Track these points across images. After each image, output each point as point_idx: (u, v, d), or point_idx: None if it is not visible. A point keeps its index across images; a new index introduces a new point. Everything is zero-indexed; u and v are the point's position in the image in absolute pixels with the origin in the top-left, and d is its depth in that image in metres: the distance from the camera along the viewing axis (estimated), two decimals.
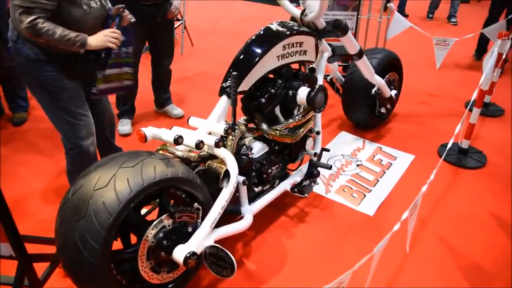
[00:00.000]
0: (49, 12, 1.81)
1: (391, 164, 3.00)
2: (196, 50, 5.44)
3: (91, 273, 1.44)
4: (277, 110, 2.19)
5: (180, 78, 4.42)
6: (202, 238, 1.71)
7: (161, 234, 1.62)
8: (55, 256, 1.74)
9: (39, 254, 1.69)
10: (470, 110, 2.87)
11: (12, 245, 1.52)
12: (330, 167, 2.42)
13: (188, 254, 1.61)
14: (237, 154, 1.96)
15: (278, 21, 2.18)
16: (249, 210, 2.08)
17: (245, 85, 1.98)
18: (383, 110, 3.30)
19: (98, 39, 1.95)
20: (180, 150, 1.87)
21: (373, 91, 3.08)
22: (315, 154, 2.47)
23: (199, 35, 5.87)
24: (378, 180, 2.81)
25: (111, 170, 1.49)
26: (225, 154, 1.82)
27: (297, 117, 2.20)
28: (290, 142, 2.22)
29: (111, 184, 1.45)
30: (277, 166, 2.18)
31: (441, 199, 2.61)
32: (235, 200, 2.03)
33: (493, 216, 2.47)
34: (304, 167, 2.44)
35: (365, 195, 2.64)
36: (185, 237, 1.68)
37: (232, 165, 1.82)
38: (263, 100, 2.08)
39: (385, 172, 2.90)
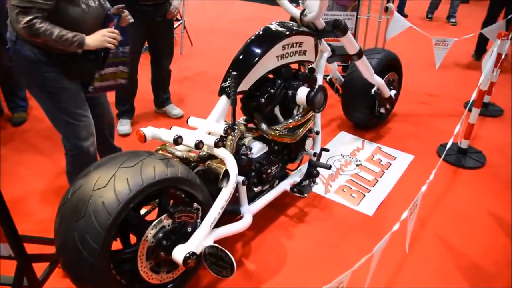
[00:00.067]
0: (46, 12, 1.80)
1: (391, 164, 3.00)
2: (195, 50, 5.44)
3: (91, 273, 1.44)
4: (277, 110, 2.19)
5: (180, 78, 4.42)
6: (202, 238, 1.71)
7: (160, 234, 1.62)
8: (54, 256, 1.74)
9: (39, 254, 1.69)
10: (470, 110, 2.87)
11: (12, 245, 1.52)
12: (329, 167, 2.42)
13: (188, 254, 1.61)
14: (236, 154, 1.96)
15: (278, 21, 2.18)
16: (248, 210, 2.08)
17: (245, 85, 1.98)
18: (382, 110, 3.30)
19: (96, 39, 1.94)
20: (179, 150, 1.87)
21: (372, 91, 3.08)
22: (314, 154, 2.46)
23: (199, 35, 5.87)
24: (377, 180, 2.81)
25: (111, 170, 1.49)
26: (224, 154, 1.82)
27: (296, 117, 2.20)
28: (290, 142, 2.22)
29: (111, 184, 1.45)
30: (276, 166, 2.18)
31: (440, 199, 2.61)
32: (234, 200, 2.03)
33: (492, 216, 2.47)
34: (304, 167, 2.44)
35: (364, 195, 2.64)
36: (184, 237, 1.68)
37: (231, 165, 1.82)
38: (263, 100, 2.08)
39: (384, 172, 2.90)
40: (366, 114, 3.26)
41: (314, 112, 2.26)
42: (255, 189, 2.13)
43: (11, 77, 3.30)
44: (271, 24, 2.13)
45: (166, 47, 3.34)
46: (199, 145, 1.72)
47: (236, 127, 1.96)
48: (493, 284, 2.00)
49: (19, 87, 3.41)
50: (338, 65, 3.83)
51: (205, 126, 1.92)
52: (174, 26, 3.62)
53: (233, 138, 1.93)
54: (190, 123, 1.99)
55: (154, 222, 1.61)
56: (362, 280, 1.63)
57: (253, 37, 2.05)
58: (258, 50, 1.98)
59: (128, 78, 3.17)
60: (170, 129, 1.87)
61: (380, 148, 3.21)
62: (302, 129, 2.23)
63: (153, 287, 1.73)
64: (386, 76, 3.21)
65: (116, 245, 1.60)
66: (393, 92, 3.30)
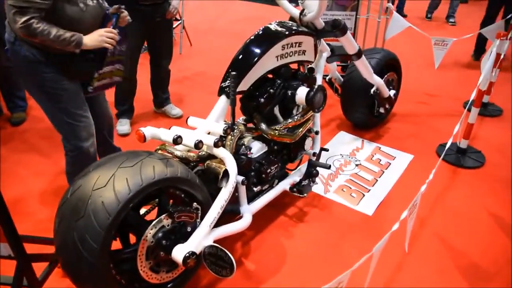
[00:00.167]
0: (43, 11, 1.79)
1: (390, 163, 3.00)
2: (194, 50, 5.44)
3: (90, 273, 1.44)
4: (276, 110, 2.19)
5: (179, 78, 4.42)
6: (201, 238, 1.71)
7: (160, 234, 1.62)
8: (54, 256, 1.74)
9: (38, 254, 1.69)
10: (469, 110, 2.88)
11: (11, 245, 1.52)
12: (329, 167, 2.42)
13: (187, 254, 1.61)
14: (236, 154, 1.96)
15: (277, 21, 2.18)
16: (248, 210, 2.08)
17: (244, 85, 1.98)
18: (381, 110, 3.30)
19: (94, 39, 1.93)
20: (179, 150, 1.87)
21: (372, 91, 3.09)
22: (314, 154, 2.47)
23: (198, 35, 5.87)
24: (377, 180, 2.81)
25: (110, 170, 1.49)
26: (224, 154, 1.82)
27: (296, 117, 2.20)
28: (289, 142, 2.23)
29: (110, 184, 1.45)
30: (276, 166, 2.18)
31: (440, 199, 2.61)
32: (234, 199, 2.03)
33: (491, 215, 2.47)
34: (303, 167, 2.44)
35: (364, 195, 2.65)
36: (184, 237, 1.68)
37: (231, 165, 1.82)
38: (262, 100, 2.08)
39: (384, 172, 2.90)
40: (366, 114, 3.26)
41: (314, 112, 2.26)
42: (255, 189, 2.13)
43: (10, 77, 3.30)
44: (270, 24, 2.13)
45: (165, 47, 3.34)
46: (198, 145, 1.72)
47: (236, 127, 1.96)
48: (492, 283, 2.01)
49: (18, 87, 3.41)
50: (338, 65, 3.83)
51: (205, 126, 1.92)
52: (173, 26, 3.62)
53: (232, 138, 1.93)
54: (189, 123, 1.99)
55: (154, 222, 1.61)
56: (361, 280, 1.64)
57: (252, 37, 2.05)
58: (257, 50, 1.98)
59: (128, 78, 3.20)
60: (169, 129, 1.87)
61: (380, 148, 3.21)
62: (301, 129, 2.23)
63: (152, 286, 1.73)
64: (386, 76, 3.21)
65: (116, 245, 1.60)
66: (392, 92, 3.30)
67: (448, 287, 1.99)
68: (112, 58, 2.12)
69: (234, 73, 1.84)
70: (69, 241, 1.42)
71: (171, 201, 1.76)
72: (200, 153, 1.87)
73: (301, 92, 2.13)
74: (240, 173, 1.90)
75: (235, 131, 1.95)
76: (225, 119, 2.05)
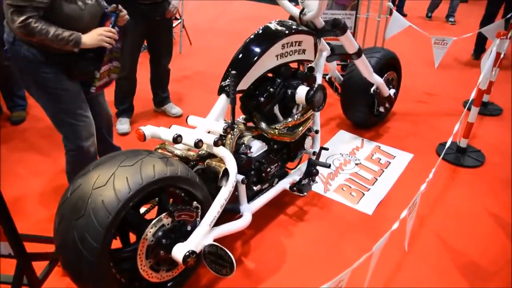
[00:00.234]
0: (41, 10, 1.78)
1: (390, 163, 3.01)
2: (194, 49, 5.44)
3: (90, 272, 1.44)
4: (276, 109, 2.19)
5: (179, 77, 4.42)
6: (201, 237, 1.72)
7: (160, 233, 1.62)
8: (54, 255, 1.74)
9: (38, 253, 1.69)
10: (469, 109, 2.88)
11: (11, 244, 1.52)
12: (329, 166, 2.42)
13: (187, 253, 1.61)
14: (236, 153, 1.96)
15: (277, 20, 2.18)
16: (248, 209, 2.08)
17: (244, 84, 1.98)
18: (381, 109, 3.30)
19: (93, 38, 1.93)
20: (179, 149, 1.87)
21: (371, 90, 3.09)
22: (314, 153, 2.47)
23: (197, 34, 5.86)
24: (376, 179, 2.81)
25: (110, 169, 1.49)
26: (224, 153, 1.83)
27: (296, 116, 2.20)
28: (289, 141, 2.23)
29: (110, 183, 1.45)
30: (276, 165, 2.18)
31: (439, 198, 2.61)
32: (234, 198, 2.03)
33: (491, 214, 2.48)
34: (303, 166, 2.44)
35: (363, 194, 2.65)
36: (184, 236, 1.68)
37: (231, 164, 1.82)
38: (262, 99, 2.08)
39: (383, 171, 2.90)
40: (365, 113, 3.26)
41: (314, 111, 2.26)
42: (255, 188, 2.13)
43: (9, 76, 3.30)
44: (270, 23, 2.13)
45: (165, 46, 3.34)
46: (198, 144, 1.72)
47: (236, 126, 1.96)
48: (492, 283, 2.01)
49: (18, 86, 3.40)
50: (337, 64, 3.83)
51: (205, 125, 1.93)
52: (173, 25, 3.62)
53: (232, 137, 1.93)
54: (189, 122, 1.99)
55: (154, 221, 1.61)
56: (361, 279, 1.64)
57: (252, 36, 2.05)
58: (257, 49, 1.98)
59: (127, 77, 3.20)
60: (169, 128, 1.87)
61: (379, 147, 3.21)
62: (301, 128, 2.23)
63: (152, 285, 1.73)
64: (385, 75, 3.21)
65: (116, 243, 1.60)
66: (392, 91, 3.30)
67: (447, 286, 1.99)
68: (110, 56, 2.12)
69: (234, 72, 1.84)
70: (69, 240, 1.42)
71: (171, 200, 1.76)
72: (200, 152, 1.88)
73: (301, 91, 2.13)
74: (240, 172, 1.90)
75: (235, 130, 1.95)
76: (225, 118, 2.05)
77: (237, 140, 2.00)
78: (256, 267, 2.07)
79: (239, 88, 1.95)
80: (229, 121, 1.96)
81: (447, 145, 2.28)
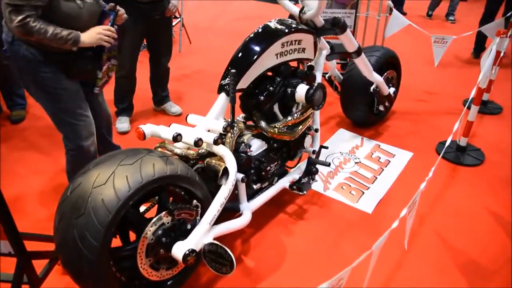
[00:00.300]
0: (39, 9, 1.78)
1: (390, 161, 3.01)
2: (194, 48, 5.43)
3: (90, 271, 1.44)
4: (276, 107, 2.19)
5: (178, 76, 4.42)
6: (201, 235, 1.72)
7: (160, 231, 1.62)
8: (54, 253, 1.74)
9: (38, 251, 1.69)
10: (468, 107, 2.88)
11: (11, 242, 1.52)
12: (328, 165, 2.43)
13: (187, 251, 1.61)
14: (235, 152, 1.96)
15: (277, 19, 2.18)
16: (248, 207, 2.08)
17: (244, 82, 1.98)
18: (381, 108, 3.30)
19: (92, 37, 1.92)
20: (178, 148, 1.87)
21: (371, 88, 3.09)
22: (313, 152, 2.47)
23: (197, 33, 5.86)
24: (376, 178, 2.81)
25: (110, 168, 1.49)
26: (224, 151, 1.83)
27: (295, 115, 2.20)
28: (289, 140, 2.23)
29: (110, 182, 1.45)
30: (275, 163, 2.18)
31: (439, 197, 2.62)
32: (234, 197, 2.03)
33: (491, 213, 2.48)
34: (303, 165, 2.44)
35: (363, 193, 2.65)
36: (184, 234, 1.68)
37: (231, 162, 1.82)
38: (262, 97, 2.08)
39: (383, 170, 2.90)
40: (365, 111, 3.26)
41: (313, 110, 2.26)
42: (254, 187, 2.13)
43: (9, 75, 3.29)
44: (270, 22, 2.13)
45: (164, 45, 3.34)
46: (198, 142, 1.72)
47: (235, 125, 1.96)
48: (492, 281, 2.01)
49: (18, 85, 3.40)
50: (337, 63, 3.83)
51: (204, 123, 1.93)
52: (173, 24, 3.61)
53: (232, 135, 1.93)
54: (189, 120, 1.99)
55: (154, 219, 1.61)
56: (361, 277, 1.64)
57: (252, 35, 2.05)
58: (257, 48, 1.98)
59: (127, 76, 3.20)
60: (169, 126, 1.87)
61: (379, 145, 3.21)
62: (301, 126, 2.23)
63: (152, 284, 1.73)
64: (385, 73, 3.21)
65: (116, 242, 1.60)
66: (392, 90, 3.30)
67: (447, 284, 1.99)
68: (109, 55, 2.11)
69: (233, 71, 1.84)
70: (69, 239, 1.43)
71: (171, 198, 1.76)
72: (199, 151, 1.88)
73: (301, 90, 2.13)
74: (239, 170, 1.90)
75: (235, 128, 1.95)
76: (224, 116, 2.05)
77: (237, 138, 2.00)
78: (256, 266, 2.08)
79: (238, 86, 1.95)
80: (229, 120, 1.96)
81: (447, 143, 2.28)
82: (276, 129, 2.11)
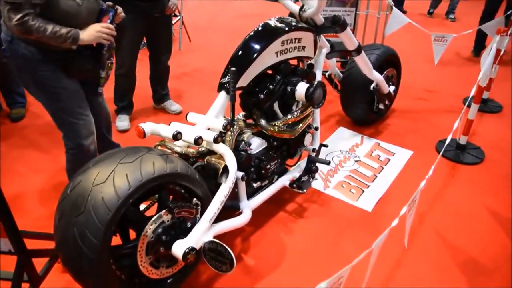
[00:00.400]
0: (38, 7, 1.77)
1: (389, 160, 3.01)
2: (194, 46, 5.43)
3: (90, 269, 1.44)
4: (276, 106, 2.19)
5: (178, 74, 4.41)
6: (201, 234, 1.72)
7: (160, 230, 1.62)
8: (54, 251, 1.74)
9: (38, 249, 1.69)
10: (468, 106, 2.88)
11: (11, 240, 1.52)
12: (328, 163, 2.43)
13: (187, 249, 1.61)
14: (235, 150, 1.96)
15: (277, 17, 2.18)
16: (248, 206, 2.08)
17: (244, 81, 1.98)
18: (381, 106, 3.30)
19: (91, 35, 1.92)
20: (178, 146, 1.87)
21: (371, 87, 3.08)
22: (313, 150, 2.47)
23: (197, 31, 5.85)
24: (376, 176, 2.81)
25: (110, 166, 1.49)
26: (224, 149, 1.83)
27: (295, 113, 2.20)
28: (289, 138, 2.23)
29: (110, 180, 1.45)
30: (275, 161, 2.18)
31: (439, 195, 2.62)
32: (234, 195, 2.03)
33: (491, 211, 2.48)
34: (303, 163, 2.44)
35: (363, 191, 2.65)
36: (184, 233, 1.69)
37: (231, 160, 1.82)
38: (262, 96, 2.08)
39: (383, 168, 2.90)
40: (365, 110, 3.26)
41: (313, 108, 2.26)
42: (254, 185, 2.13)
43: (8, 73, 3.29)
44: (270, 20, 2.13)
45: (164, 43, 3.33)
46: (198, 140, 1.72)
47: (235, 123, 1.96)
48: (492, 280, 2.01)
49: (17, 83, 3.40)
50: (337, 61, 3.83)
51: (204, 121, 1.92)
52: (173, 22, 3.61)
53: (232, 133, 1.93)
54: (189, 118, 1.99)
55: (154, 218, 1.61)
56: (361, 276, 1.64)
57: (252, 33, 2.04)
58: (257, 46, 1.98)
59: (127, 74, 3.20)
60: (169, 124, 1.87)
61: (379, 144, 3.21)
62: (301, 124, 2.23)
63: (152, 282, 1.73)
64: (385, 72, 3.21)
65: (116, 240, 1.60)
66: (392, 88, 3.30)
67: (447, 283, 2.00)
68: (109, 53, 2.11)
69: (233, 69, 1.84)
70: (69, 237, 1.43)
71: (171, 196, 1.76)
72: (199, 149, 1.87)
73: (301, 88, 2.13)
74: (239, 169, 1.90)
75: (235, 127, 1.95)
76: (224, 115, 2.05)
77: (237, 137, 2.00)
78: (256, 264, 2.08)
79: (238, 85, 1.95)
80: (229, 118, 1.96)
81: (447, 142, 2.28)
82: (276, 127, 2.11)
